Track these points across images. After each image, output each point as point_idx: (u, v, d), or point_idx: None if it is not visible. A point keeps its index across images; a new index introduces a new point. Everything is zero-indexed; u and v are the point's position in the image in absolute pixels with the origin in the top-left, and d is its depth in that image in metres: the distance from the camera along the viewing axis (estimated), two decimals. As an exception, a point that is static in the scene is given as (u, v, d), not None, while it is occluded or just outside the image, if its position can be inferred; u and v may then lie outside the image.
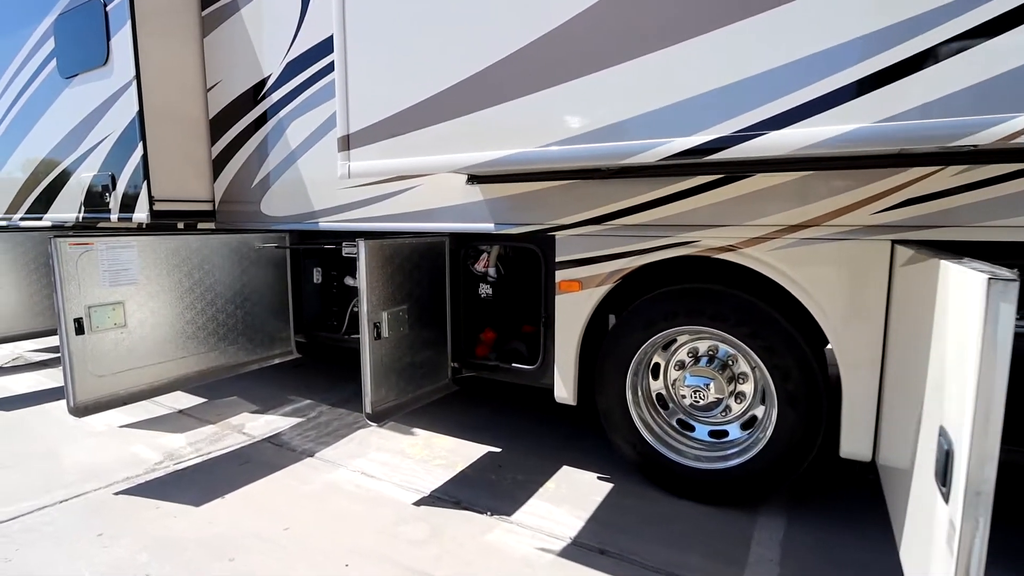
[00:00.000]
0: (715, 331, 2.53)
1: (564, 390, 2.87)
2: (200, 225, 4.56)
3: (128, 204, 4.08)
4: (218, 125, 4.23)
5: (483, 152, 2.02)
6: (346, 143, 2.30)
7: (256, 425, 3.69)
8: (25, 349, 5.63)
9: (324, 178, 3.63)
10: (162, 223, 4.14)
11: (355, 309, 3.92)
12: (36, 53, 4.70)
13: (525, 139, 1.95)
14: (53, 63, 4.55)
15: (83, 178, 4.40)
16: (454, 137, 2.08)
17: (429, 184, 3.15)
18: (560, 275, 2.79)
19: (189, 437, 3.49)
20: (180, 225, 4.65)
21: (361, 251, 2.63)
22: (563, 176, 2.70)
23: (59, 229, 5.08)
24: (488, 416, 3.78)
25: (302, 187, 3.75)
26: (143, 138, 3.87)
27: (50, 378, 4.79)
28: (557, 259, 2.79)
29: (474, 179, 2.94)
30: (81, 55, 4.24)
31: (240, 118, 4.07)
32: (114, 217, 4.20)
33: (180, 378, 3.22)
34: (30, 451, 3.30)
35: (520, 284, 3.35)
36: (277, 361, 3.85)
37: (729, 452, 2.67)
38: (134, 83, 3.85)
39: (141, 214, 3.97)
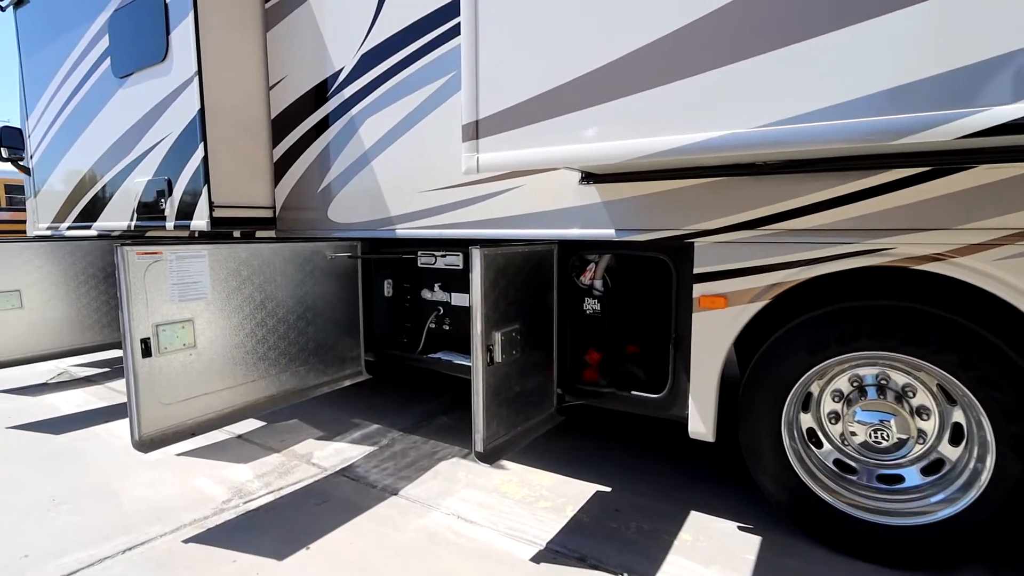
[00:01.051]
0: (904, 357, 2.09)
1: (701, 424, 2.44)
2: (258, 233, 4.25)
3: (185, 211, 3.78)
4: (280, 126, 3.92)
5: (685, 136, 1.62)
6: (474, 131, 1.93)
7: (325, 455, 3.32)
8: (69, 364, 5.37)
9: (402, 180, 3.27)
10: (219, 231, 3.83)
11: (432, 325, 3.54)
12: (89, 53, 4.46)
13: (736, 117, 1.55)
14: (106, 63, 4.30)
15: (136, 184, 4.12)
16: (635, 118, 1.69)
17: (534, 185, 2.77)
18: (700, 289, 2.37)
19: (255, 468, 3.13)
20: (236, 234, 4.36)
21: (476, 261, 2.25)
22: (707, 173, 2.29)
23: (107, 238, 4.82)
24: (583, 446, 3.36)
25: (376, 191, 3.40)
26: (204, 139, 3.57)
27: (97, 396, 4.49)
28: (696, 270, 2.37)
29: (590, 178, 2.55)
30: (137, 52, 3.98)
31: (305, 117, 3.75)
32: (170, 225, 3.90)
33: (250, 404, 2.86)
34: (84, 485, 2.96)
35: (631, 299, 2.94)
36: (348, 383, 3.49)
37: (914, 504, 2.21)
38: (195, 79, 3.56)
39: (200, 221, 3.66)
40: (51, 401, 4.39)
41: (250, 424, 3.80)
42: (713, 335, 2.36)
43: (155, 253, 2.35)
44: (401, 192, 3.30)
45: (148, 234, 5.18)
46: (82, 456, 3.33)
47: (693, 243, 2.37)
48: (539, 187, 2.75)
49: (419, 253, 3.51)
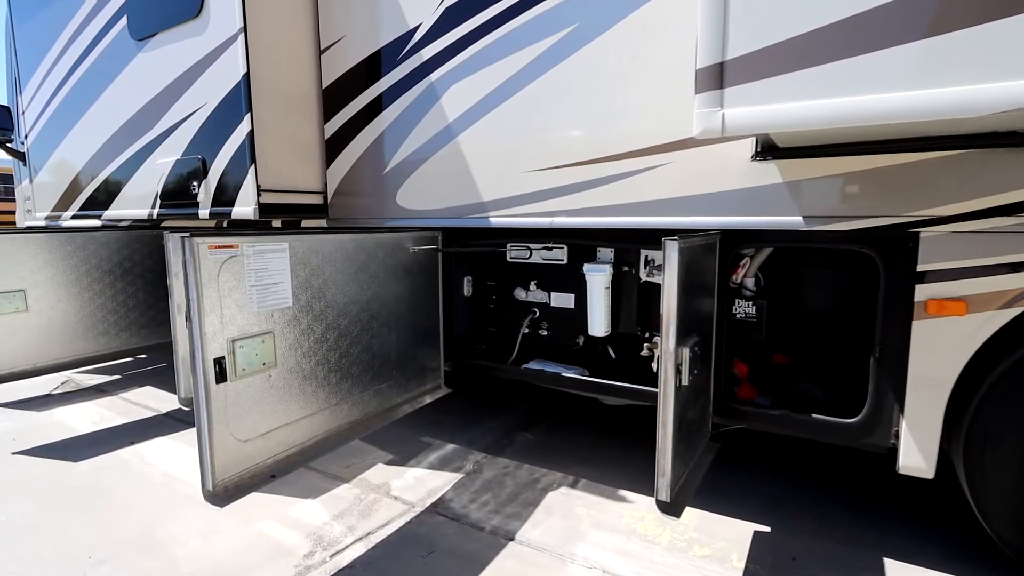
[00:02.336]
0: None
1: (919, 458, 1.97)
2: (304, 223, 3.69)
3: (224, 196, 3.20)
4: (334, 97, 3.35)
5: None
6: (715, 77, 1.41)
7: (405, 485, 2.80)
8: (74, 371, 4.76)
9: (499, 159, 2.74)
10: (258, 221, 3.27)
11: (526, 330, 3.02)
12: (99, 13, 3.82)
13: None
14: (121, 23, 3.68)
15: (160, 165, 3.53)
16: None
17: (685, 162, 2.26)
18: (926, 291, 1.89)
19: (328, 506, 2.60)
20: (276, 223, 3.78)
21: (671, 256, 1.73)
22: (946, 144, 1.80)
23: (115, 229, 4.20)
24: (708, 470, 2.88)
25: (462, 171, 2.86)
26: (250, 110, 3.00)
27: (112, 410, 3.91)
28: (921, 267, 1.89)
29: (769, 153, 2.05)
30: (162, 9, 3.37)
31: (367, 86, 3.19)
32: (204, 212, 3.32)
33: (332, 434, 2.32)
34: (123, 532, 2.41)
35: (797, 300, 2.46)
36: (428, 399, 2.96)
37: None
38: (239, 39, 2.97)
39: (245, 208, 3.08)
40: (60, 417, 3.79)
41: (303, 445, 3.27)
42: (943, 348, 1.88)
43: (230, 247, 1.81)
44: (496, 173, 2.76)
45: (164, 224, 4.59)
46: (113, 491, 2.77)
47: (918, 233, 1.89)
48: (692, 165, 2.24)
49: (509, 245, 2.99)
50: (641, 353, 2.51)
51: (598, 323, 2.70)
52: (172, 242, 2.64)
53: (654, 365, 2.57)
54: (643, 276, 2.64)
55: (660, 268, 2.50)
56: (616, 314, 2.76)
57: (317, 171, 3.44)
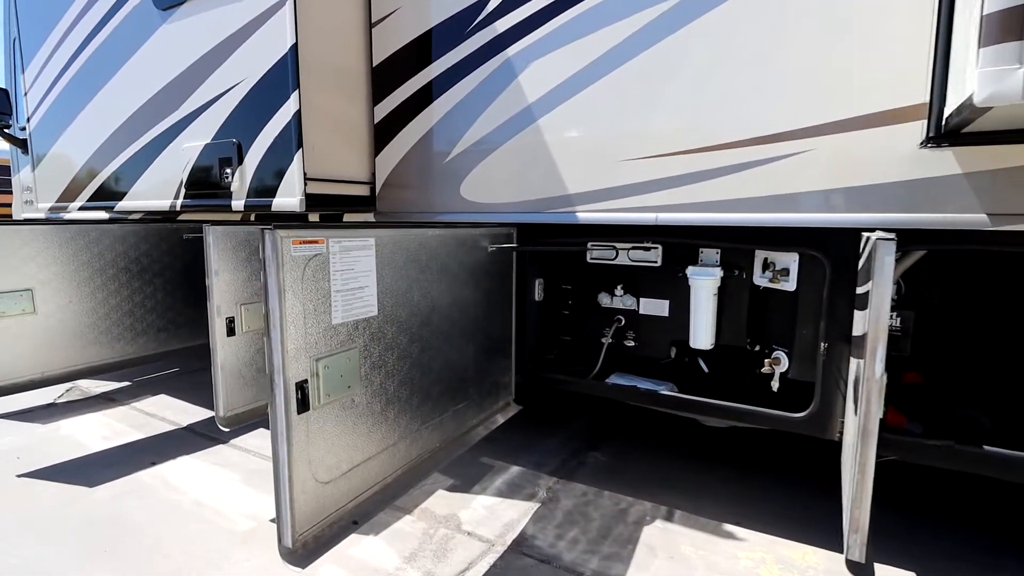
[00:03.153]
0: None
1: None
2: (347, 217, 3.32)
3: (263, 185, 2.83)
4: (386, 76, 2.99)
5: None
6: (1018, 23, 1.09)
7: (476, 516, 2.45)
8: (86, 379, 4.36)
9: (591, 146, 2.39)
10: (292, 214, 2.91)
11: (609, 340, 2.68)
12: (115, -20, 3.44)
13: None
14: (143, -9, 3.30)
15: (187, 150, 3.15)
16: None
17: (830, 150, 1.93)
18: None
19: (395, 544, 2.24)
20: (313, 218, 3.42)
21: (884, 260, 1.39)
22: None
23: (125, 221, 3.80)
24: (810, 499, 2.55)
25: (545, 160, 2.51)
26: (297, 86, 2.63)
27: (125, 422, 3.52)
28: None
29: (945, 138, 1.72)
30: (193, -27, 2.99)
31: (426, 65, 2.83)
32: (238, 204, 2.94)
33: (411, 467, 1.96)
34: (158, 577, 2.04)
35: (952, 309, 2.14)
36: (500, 419, 2.62)
37: None
38: (286, 5, 2.61)
39: (289, 199, 2.72)
40: (68, 431, 3.40)
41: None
42: None
43: (315, 242, 1.45)
44: (586, 162, 2.42)
45: (181, 216, 4.20)
46: (141, 528, 2.39)
47: None
48: (842, 153, 1.91)
49: (590, 245, 2.64)
50: (761, 370, 2.18)
51: (702, 334, 2.37)
52: (212, 235, 2.28)
53: (774, 384, 2.24)
54: (762, 282, 2.31)
55: (784, 273, 2.17)
56: (719, 324, 2.43)
57: (364, 159, 3.08)
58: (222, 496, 2.64)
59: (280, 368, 1.36)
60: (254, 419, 2.54)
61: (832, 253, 2.04)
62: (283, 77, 2.67)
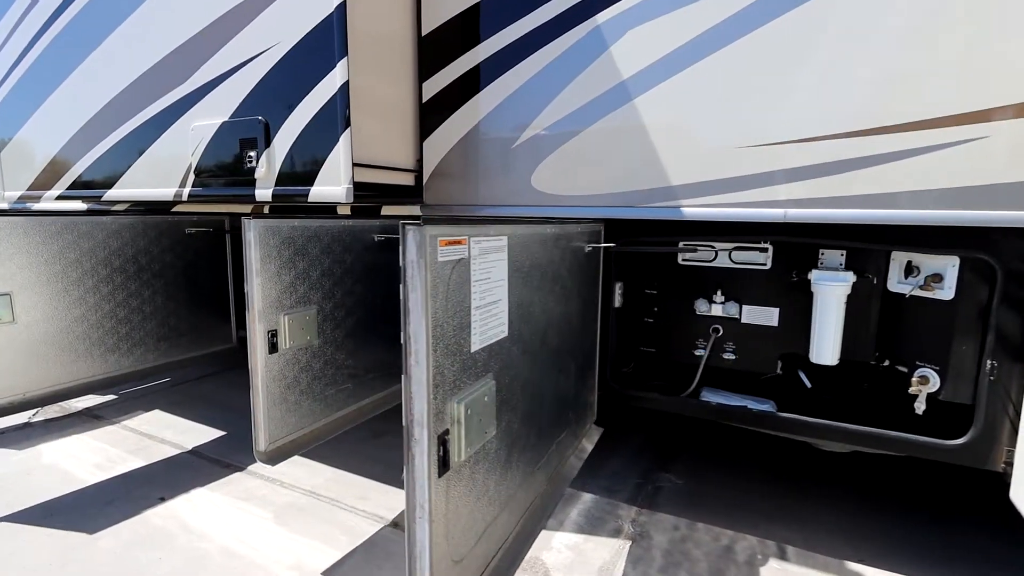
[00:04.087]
0: None
1: None
2: (385, 210, 2.91)
3: (297, 172, 2.40)
4: (437, 47, 2.59)
5: None
6: None
7: (562, 559, 2.10)
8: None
9: (701, 130, 2.06)
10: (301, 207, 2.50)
11: (706, 352, 2.36)
12: (105, -72, 2.93)
13: None
14: (140, -59, 2.80)
15: (197, 130, 2.68)
16: None
17: (1011, 135, 1.64)
18: None
19: (482, 602, 1.88)
20: (344, 212, 2.99)
21: None
22: None
23: (108, 213, 3.28)
24: (956, 537, 2.29)
25: (641, 146, 2.16)
26: (345, 53, 2.21)
27: (117, 444, 3.03)
28: None
29: None
30: (209, -82, 2.52)
31: (490, 33, 2.45)
32: (264, 193, 2.50)
33: (527, 517, 1.59)
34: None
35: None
36: (588, 447, 2.27)
37: None
38: (331, -44, 2.18)
39: (331, 188, 2.30)
40: (51, 458, 2.90)
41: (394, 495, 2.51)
42: None
43: (458, 242, 1.06)
44: (695, 148, 2.08)
45: (178, 208, 3.70)
46: (162, 584, 1.97)
47: None
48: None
49: (682, 244, 2.31)
50: (909, 390, 1.89)
51: (828, 347, 2.06)
52: (255, 231, 1.85)
53: (918, 406, 1.95)
54: (903, 289, 2.01)
55: (937, 279, 1.88)
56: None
57: (409, 144, 2.68)
58: (256, 541, 2.22)
59: (424, 415, 0.99)
60: (298, 452, 2.13)
61: (1005, 257, 1.76)
62: (326, 42, 2.24)
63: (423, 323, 0.96)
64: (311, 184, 2.37)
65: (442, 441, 1.04)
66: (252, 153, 2.51)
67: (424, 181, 2.71)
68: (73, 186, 3.34)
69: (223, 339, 3.43)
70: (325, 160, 2.31)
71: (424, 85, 2.65)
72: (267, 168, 2.48)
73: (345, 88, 2.23)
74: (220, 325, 3.42)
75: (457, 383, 1.09)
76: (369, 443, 3.11)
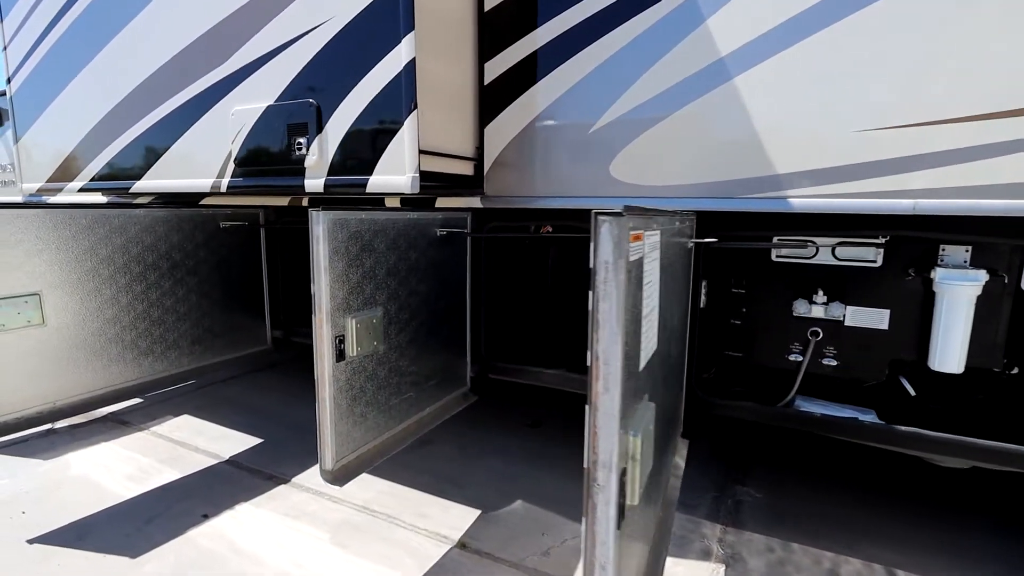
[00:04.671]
0: None
1: None
2: (440, 202, 2.70)
3: (353, 160, 2.19)
4: (502, 23, 2.38)
5: None
6: None
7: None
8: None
9: (813, 111, 1.84)
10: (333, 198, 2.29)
11: (806, 358, 2.15)
12: None
13: None
14: (174, -90, 2.58)
15: (238, 115, 2.47)
16: None
17: None
18: None
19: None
20: (392, 203, 2.78)
21: None
22: None
23: (130, 206, 3.07)
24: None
25: (741, 130, 1.95)
26: (412, 27, 2.00)
27: (147, 453, 2.83)
28: None
29: None
30: None
31: (564, 7, 2.23)
32: (315, 183, 2.29)
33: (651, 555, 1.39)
34: None
35: None
36: (681, 463, 2.06)
37: None
38: (397, -81, 1.97)
39: (395, 177, 2.09)
40: (80, 468, 2.70)
41: (454, 511, 2.30)
42: None
43: (639, 238, 0.86)
44: (806, 133, 1.87)
45: (204, 201, 3.49)
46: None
47: None
48: None
49: (777, 239, 2.10)
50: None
51: (952, 353, 1.86)
52: (324, 224, 1.65)
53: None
54: (1046, 288, 1.81)
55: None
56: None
57: (469, 129, 2.47)
58: (314, 565, 2.02)
59: (612, 458, 0.78)
60: (364, 469, 1.93)
61: None
62: (390, 16, 2.03)
63: (618, 341, 0.76)
64: (369, 173, 2.16)
65: (620, 483, 0.84)
66: (301, 140, 2.30)
67: (485, 170, 2.51)
68: (98, 177, 3.13)
69: (258, 340, 3.23)
70: (386, 147, 2.10)
71: (486, 66, 2.44)
72: (318, 156, 2.27)
73: (411, 67, 2.02)
74: (254, 325, 3.22)
75: (627, 411, 0.89)
76: (415, 452, 2.91)
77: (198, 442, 3.05)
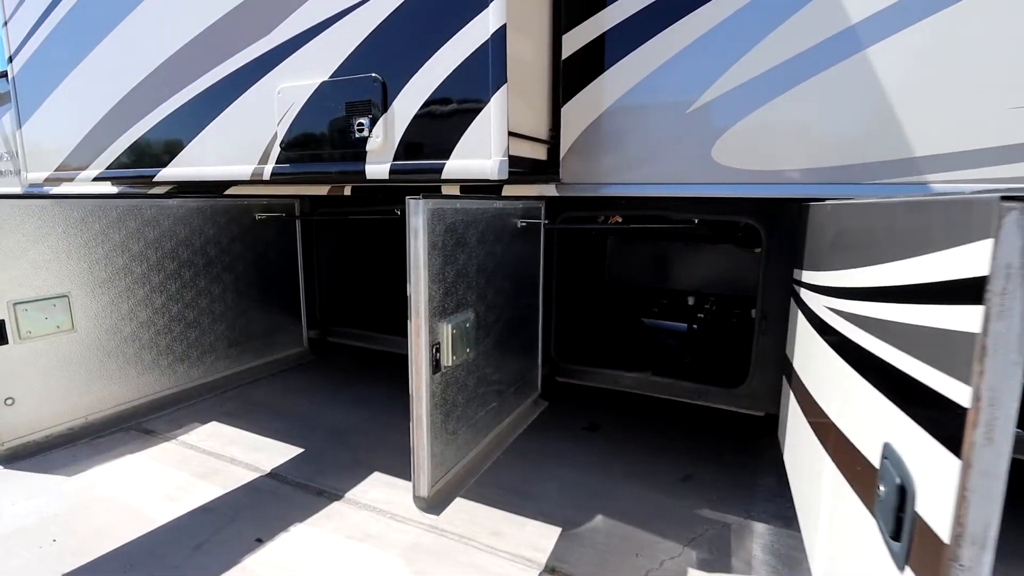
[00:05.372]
0: None
1: None
2: (505, 190, 2.46)
3: (427, 142, 1.95)
4: (582, -10, 2.14)
5: None
6: None
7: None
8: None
9: (964, 87, 1.64)
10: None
11: None
12: None
13: None
14: None
15: (286, 92, 2.21)
16: None
17: None
18: None
19: None
20: (456, 189, 2.53)
21: None
22: None
23: (141, 196, 2.80)
24: None
25: (878, 106, 1.74)
26: (501, -9, 1.75)
27: (182, 466, 2.59)
28: None
29: None
30: None
31: (658, -30, 2.00)
32: (378, 169, 2.04)
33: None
34: None
35: None
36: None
37: None
38: None
39: (478, 162, 1.85)
40: (108, 487, 2.45)
41: (531, 528, 2.09)
42: None
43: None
44: (946, 111, 1.66)
45: (235, 192, 3.21)
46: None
47: None
48: None
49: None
50: None
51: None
52: (424, 214, 1.41)
53: None
54: None
55: None
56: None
57: (544, 109, 2.23)
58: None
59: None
60: (458, 494, 1.71)
61: None
62: (474, -24, 1.79)
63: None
64: (446, 157, 1.92)
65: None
66: (363, 120, 2.05)
67: (562, 155, 2.27)
68: (116, 165, 2.85)
69: (294, 341, 2.98)
70: (468, 127, 1.86)
71: (564, 38, 2.20)
72: (383, 138, 2.03)
73: (500, 36, 1.78)
74: (290, 325, 2.97)
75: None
76: (473, 461, 2.69)
77: (234, 453, 2.81)
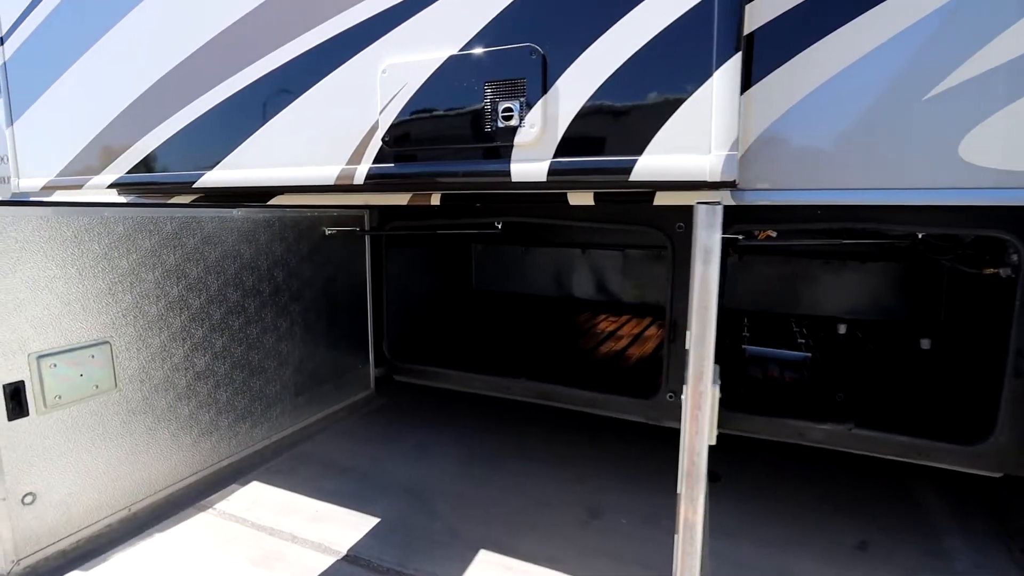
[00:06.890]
0: None
1: None
2: (658, 198, 1.99)
3: (610, 133, 1.48)
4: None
5: None
6: None
7: None
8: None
9: None
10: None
11: None
12: None
13: None
14: None
15: (393, 71, 1.71)
16: None
17: None
18: None
19: None
20: (581, 200, 2.05)
21: None
22: None
23: (149, 205, 2.23)
24: None
25: None
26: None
27: (227, 548, 2.01)
28: None
29: None
30: None
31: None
32: (532, 167, 1.56)
33: None
34: None
35: None
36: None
37: None
38: None
39: (693, 158, 1.38)
40: (142, 586, 1.86)
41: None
42: None
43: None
44: None
45: (281, 201, 2.64)
46: None
47: None
48: None
49: None
50: None
51: None
52: (704, 215, 0.93)
53: None
54: None
55: None
56: None
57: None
58: None
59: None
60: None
61: None
62: (693, -90, 1.33)
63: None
64: (638, 152, 1.45)
65: None
66: (511, 105, 1.56)
67: (740, 154, 1.82)
68: (141, 168, 2.28)
69: (360, 384, 2.43)
70: (675, 111, 1.40)
71: (748, 8, 1.76)
72: (541, 128, 1.55)
73: (731, -11, 1.32)
74: (356, 364, 2.41)
75: None
76: (590, 527, 2.20)
77: (292, 526, 2.24)
